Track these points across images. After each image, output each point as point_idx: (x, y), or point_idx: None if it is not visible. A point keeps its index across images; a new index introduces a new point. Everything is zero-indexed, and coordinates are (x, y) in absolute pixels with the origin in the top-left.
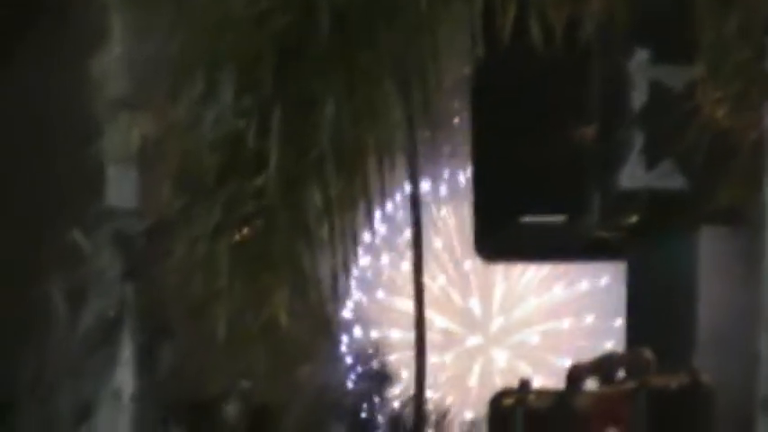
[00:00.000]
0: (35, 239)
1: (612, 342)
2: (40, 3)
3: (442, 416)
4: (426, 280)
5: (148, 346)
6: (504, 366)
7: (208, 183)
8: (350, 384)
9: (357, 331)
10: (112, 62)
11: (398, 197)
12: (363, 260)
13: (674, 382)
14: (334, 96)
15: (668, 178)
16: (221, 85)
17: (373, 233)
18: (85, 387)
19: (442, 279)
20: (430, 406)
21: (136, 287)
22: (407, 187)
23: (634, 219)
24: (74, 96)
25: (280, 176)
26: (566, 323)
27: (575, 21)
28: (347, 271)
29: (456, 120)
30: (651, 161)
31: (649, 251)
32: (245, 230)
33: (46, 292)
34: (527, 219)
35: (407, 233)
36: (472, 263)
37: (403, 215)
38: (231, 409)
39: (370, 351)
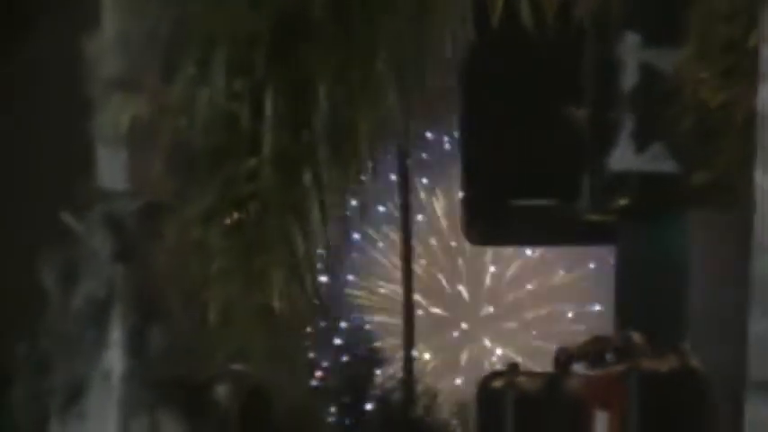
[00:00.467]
0: (26, 220)
1: (602, 325)
2: None
3: (431, 399)
4: (415, 265)
5: (139, 328)
6: (492, 350)
7: (201, 165)
8: (340, 368)
9: (347, 315)
10: (105, 41)
11: (389, 180)
12: (354, 244)
13: (664, 364)
14: (328, 77)
15: (658, 161)
16: (215, 66)
17: (364, 218)
18: (75, 367)
19: (430, 264)
20: (419, 389)
21: (127, 268)
22: (398, 171)
23: (624, 202)
24: (66, 75)
25: (274, 159)
26: (556, 307)
27: (566, 4)
28: (339, 254)
29: (447, 102)
30: (641, 144)
31: (639, 234)
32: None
33: (37, 272)
34: (518, 202)
35: (397, 217)
36: (461, 247)
37: (393, 199)
38: (223, 391)
39: (360, 335)
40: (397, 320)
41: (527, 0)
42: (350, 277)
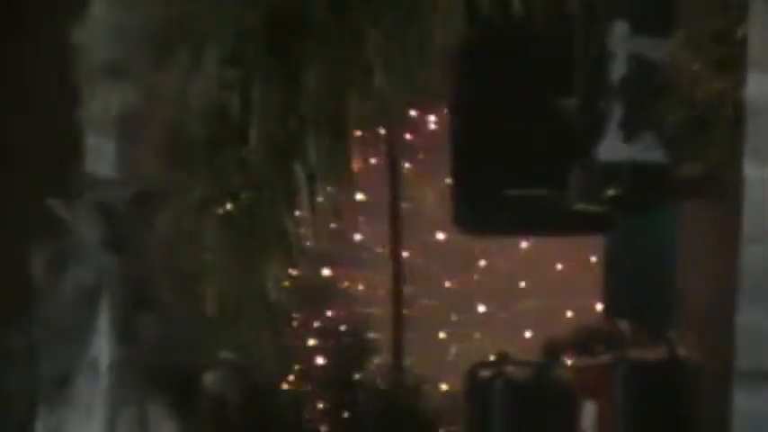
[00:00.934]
0: (15, 208)
1: (592, 315)
2: None
3: (419, 387)
4: (404, 254)
5: (129, 317)
6: (482, 340)
7: (193, 153)
8: (329, 357)
9: (336, 304)
10: (96, 29)
11: (378, 169)
12: (343, 233)
13: (652, 354)
14: (318, 65)
15: (648, 151)
16: (206, 54)
17: (354, 205)
18: (64, 356)
19: (420, 253)
20: (407, 378)
21: (117, 257)
22: (387, 158)
23: (614, 192)
24: (57, 63)
25: (264, 147)
26: (546, 298)
27: None
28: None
29: (436, 92)
30: (631, 134)
31: (630, 224)
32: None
33: (26, 259)
34: (508, 192)
35: (386, 206)
36: (452, 237)
37: (382, 187)
38: (216, 380)
39: (349, 324)
40: (385, 311)
41: None
42: (337, 267)
